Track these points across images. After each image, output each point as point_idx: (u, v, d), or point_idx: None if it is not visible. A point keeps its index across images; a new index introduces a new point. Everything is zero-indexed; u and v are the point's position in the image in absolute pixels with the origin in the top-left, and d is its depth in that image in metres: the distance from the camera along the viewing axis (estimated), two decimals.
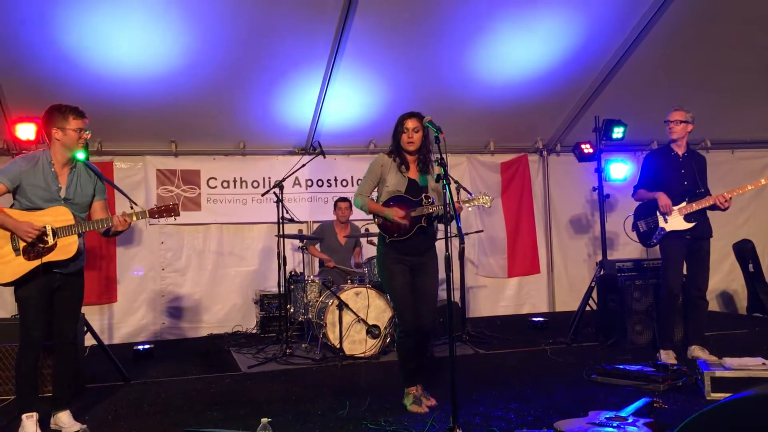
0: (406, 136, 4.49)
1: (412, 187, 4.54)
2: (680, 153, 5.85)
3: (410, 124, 4.50)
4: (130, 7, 5.99)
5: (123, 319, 7.87)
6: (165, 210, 4.24)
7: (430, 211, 4.45)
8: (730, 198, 5.60)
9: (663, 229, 5.77)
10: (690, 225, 5.68)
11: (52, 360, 4.55)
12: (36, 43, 6.18)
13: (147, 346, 6.88)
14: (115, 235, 4.33)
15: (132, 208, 4.24)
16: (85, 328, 5.77)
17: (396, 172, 4.53)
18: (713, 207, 5.67)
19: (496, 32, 7.00)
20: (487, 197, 4.58)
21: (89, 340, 5.92)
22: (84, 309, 6.05)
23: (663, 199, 5.73)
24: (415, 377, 4.60)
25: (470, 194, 4.64)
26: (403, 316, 4.47)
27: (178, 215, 4.29)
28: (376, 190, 4.66)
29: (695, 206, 5.66)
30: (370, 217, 4.64)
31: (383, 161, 4.58)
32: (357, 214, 7.83)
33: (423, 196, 4.50)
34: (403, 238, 4.47)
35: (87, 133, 4.21)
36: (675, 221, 5.73)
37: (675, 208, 5.72)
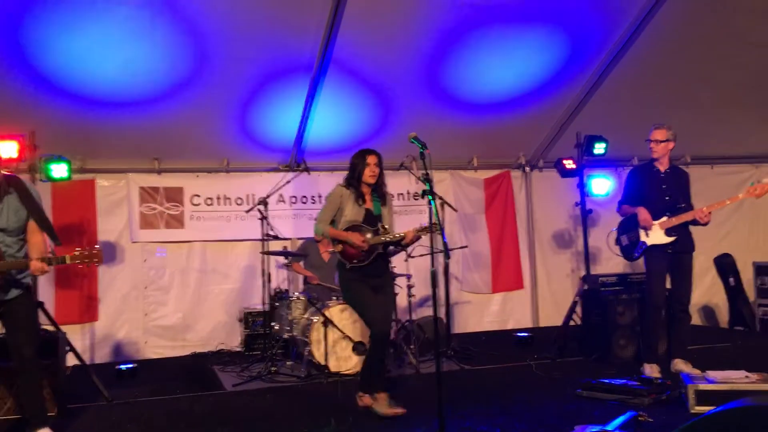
0: (369, 170, 4.91)
1: (368, 216, 4.94)
2: (662, 169, 5.94)
3: (372, 159, 4.94)
4: (112, 26, 6.00)
5: (105, 338, 7.76)
6: (87, 256, 4.09)
7: (387, 239, 4.85)
8: (709, 213, 5.68)
9: (644, 243, 5.84)
10: (671, 239, 5.76)
11: (18, 382, 4.41)
12: (12, 62, 6.16)
13: (130, 366, 6.80)
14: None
15: (50, 251, 4.13)
16: (68, 348, 5.71)
17: (353, 203, 4.92)
18: (693, 222, 5.75)
19: (479, 49, 7.07)
20: (423, 230, 4.77)
21: (71, 360, 5.85)
22: (65, 328, 6.03)
23: (642, 213, 5.82)
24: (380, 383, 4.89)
25: (423, 225, 4.86)
26: (374, 322, 4.77)
27: (101, 262, 4.20)
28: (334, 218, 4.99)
29: (675, 221, 5.74)
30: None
31: (342, 192, 4.97)
32: None
33: (380, 226, 4.92)
34: (363, 264, 4.85)
35: None
36: (656, 235, 5.80)
37: (656, 222, 5.80)
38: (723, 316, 9.15)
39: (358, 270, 4.88)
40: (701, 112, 8.39)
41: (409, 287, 6.94)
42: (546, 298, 9.35)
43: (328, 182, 8.52)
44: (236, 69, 6.78)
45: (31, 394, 4.27)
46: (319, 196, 8.56)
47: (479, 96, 7.76)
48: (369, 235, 4.86)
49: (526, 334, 7.98)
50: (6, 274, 4.10)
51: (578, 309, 7.22)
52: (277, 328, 7.02)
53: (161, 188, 8.03)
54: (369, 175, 4.92)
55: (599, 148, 7.65)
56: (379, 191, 5.03)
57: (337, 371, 6.20)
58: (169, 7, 5.98)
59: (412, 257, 7.06)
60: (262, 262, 6.83)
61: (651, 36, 7.06)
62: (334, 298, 6.72)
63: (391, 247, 5.15)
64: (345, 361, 6.29)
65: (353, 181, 4.99)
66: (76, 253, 4.08)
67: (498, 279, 9.22)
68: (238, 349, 7.87)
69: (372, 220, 4.95)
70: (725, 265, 8.67)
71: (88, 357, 7.34)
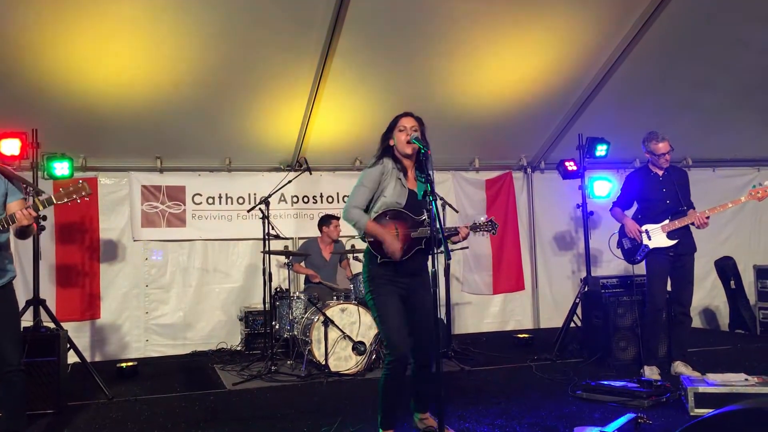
0: (404, 135, 3.91)
1: (412, 200, 3.95)
2: (660, 173, 5.95)
3: (408, 122, 3.96)
4: (116, 24, 5.99)
5: (106, 336, 7.78)
6: (74, 191, 3.76)
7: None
8: (708, 218, 5.69)
9: (647, 246, 5.86)
10: (673, 242, 5.78)
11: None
12: (17, 60, 6.15)
13: (130, 364, 6.81)
14: (23, 234, 3.91)
15: (33, 197, 3.83)
16: (68, 345, 5.72)
17: (396, 181, 3.93)
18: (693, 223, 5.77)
19: (480, 50, 7.06)
20: (493, 225, 4.13)
21: (72, 357, 5.86)
22: (67, 326, 6.04)
23: (628, 225, 5.94)
24: (394, 420, 4.06)
25: (476, 223, 4.15)
26: (394, 344, 3.86)
27: (90, 193, 3.81)
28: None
29: (677, 224, 5.76)
30: (356, 231, 4.07)
31: (384, 169, 3.94)
32: (343, 230, 7.83)
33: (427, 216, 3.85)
34: (397, 260, 3.89)
35: None
36: (658, 238, 5.82)
37: (658, 225, 5.81)
38: (723, 319, 9.16)
39: (389, 266, 3.89)
40: (703, 115, 8.41)
41: None
42: (547, 300, 9.36)
43: (330, 182, 8.57)
44: (239, 68, 6.78)
45: (12, 404, 3.93)
46: (321, 196, 8.57)
47: (481, 97, 7.75)
48: (413, 234, 3.90)
49: (526, 336, 7.98)
50: None
51: (579, 311, 7.23)
52: (277, 327, 7.03)
53: (163, 187, 8.05)
54: (405, 141, 3.88)
55: (601, 150, 7.65)
56: (423, 168, 3.92)
57: (337, 371, 6.21)
58: (172, 6, 5.99)
59: None
60: (263, 262, 6.84)
61: (653, 39, 7.06)
62: (335, 297, 6.73)
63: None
64: (345, 360, 6.30)
65: (389, 154, 3.98)
66: (61, 191, 3.74)
67: (499, 280, 9.23)
68: (239, 348, 7.89)
69: (416, 207, 3.91)
70: (726, 268, 8.68)
71: (88, 355, 7.36)
